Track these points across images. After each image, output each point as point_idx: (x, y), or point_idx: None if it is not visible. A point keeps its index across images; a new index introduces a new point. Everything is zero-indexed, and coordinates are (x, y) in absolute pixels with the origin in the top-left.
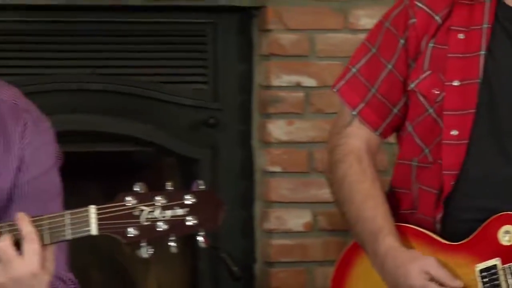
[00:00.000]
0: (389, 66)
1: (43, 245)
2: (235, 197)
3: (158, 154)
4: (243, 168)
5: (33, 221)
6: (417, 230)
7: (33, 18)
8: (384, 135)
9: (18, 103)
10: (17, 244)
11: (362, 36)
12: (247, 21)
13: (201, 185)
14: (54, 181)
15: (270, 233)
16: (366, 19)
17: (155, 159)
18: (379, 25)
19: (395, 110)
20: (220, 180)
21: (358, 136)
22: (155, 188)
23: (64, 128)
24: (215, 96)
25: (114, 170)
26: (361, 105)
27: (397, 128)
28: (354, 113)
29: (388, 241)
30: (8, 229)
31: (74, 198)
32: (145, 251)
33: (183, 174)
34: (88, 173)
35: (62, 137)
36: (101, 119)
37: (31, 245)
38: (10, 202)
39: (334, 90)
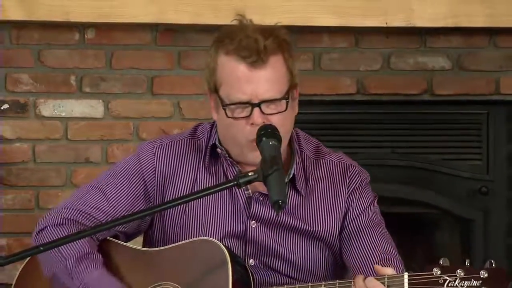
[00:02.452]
0: None
1: None
2: (502, 251)
3: (441, 215)
4: (509, 227)
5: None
6: None
7: (348, 110)
8: None
9: (343, 161)
10: None
11: None
12: None
13: (493, 264)
14: (376, 212)
15: None
16: None
17: (439, 219)
18: None
19: None
20: (490, 236)
21: None
22: (442, 248)
23: None
24: (487, 170)
25: (407, 227)
26: None
27: None
28: None
29: None
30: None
31: None
32: None
33: (460, 231)
34: (388, 230)
35: None
36: (397, 187)
37: None
38: (346, 240)
39: None
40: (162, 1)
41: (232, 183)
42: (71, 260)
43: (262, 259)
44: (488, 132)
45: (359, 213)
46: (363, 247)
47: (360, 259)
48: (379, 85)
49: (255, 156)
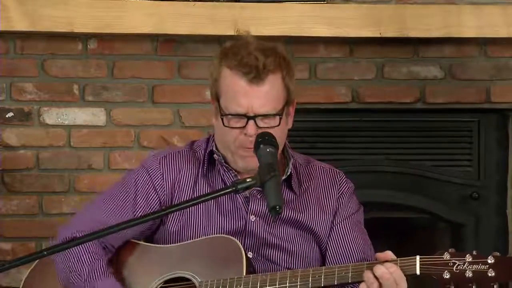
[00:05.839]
0: None
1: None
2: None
3: (433, 220)
4: (498, 231)
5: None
6: None
7: (343, 118)
8: None
9: (332, 169)
10: None
11: None
12: (504, 119)
13: (498, 253)
14: (361, 221)
15: None
16: None
17: (431, 224)
18: None
19: None
20: (480, 240)
21: None
22: (433, 252)
23: (362, 200)
24: (478, 176)
25: (399, 232)
26: None
27: None
28: None
29: None
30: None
31: None
32: None
33: (452, 236)
34: (382, 234)
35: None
36: (391, 193)
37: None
38: (332, 240)
39: None
40: (162, 12)
41: (230, 189)
42: (85, 271)
43: (260, 251)
44: (479, 139)
45: (346, 217)
46: (347, 247)
47: (343, 258)
48: (373, 94)
49: (245, 163)
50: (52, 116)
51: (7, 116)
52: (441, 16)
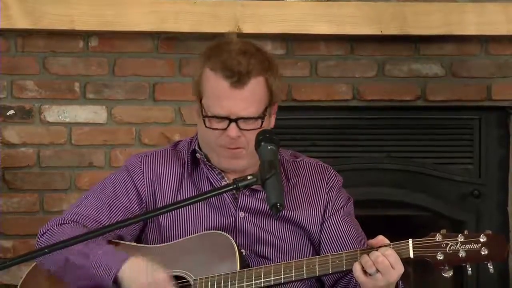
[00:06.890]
0: None
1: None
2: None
3: (434, 218)
4: (499, 229)
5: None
6: None
7: (344, 116)
8: None
9: (320, 164)
10: None
11: None
12: (505, 116)
13: (489, 231)
14: (351, 211)
15: None
16: None
17: (432, 221)
18: None
19: None
20: None
21: None
22: None
23: (363, 197)
24: (479, 173)
25: (401, 229)
26: None
27: None
28: None
29: None
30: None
31: None
32: (448, 273)
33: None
34: (382, 232)
35: (361, 204)
36: (392, 191)
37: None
38: (326, 234)
39: None
40: (163, 10)
41: (231, 187)
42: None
43: (252, 248)
44: (480, 137)
45: (337, 210)
46: (341, 239)
47: (338, 250)
48: (374, 92)
49: (228, 164)
50: (53, 113)
51: (8, 113)
52: (442, 14)
